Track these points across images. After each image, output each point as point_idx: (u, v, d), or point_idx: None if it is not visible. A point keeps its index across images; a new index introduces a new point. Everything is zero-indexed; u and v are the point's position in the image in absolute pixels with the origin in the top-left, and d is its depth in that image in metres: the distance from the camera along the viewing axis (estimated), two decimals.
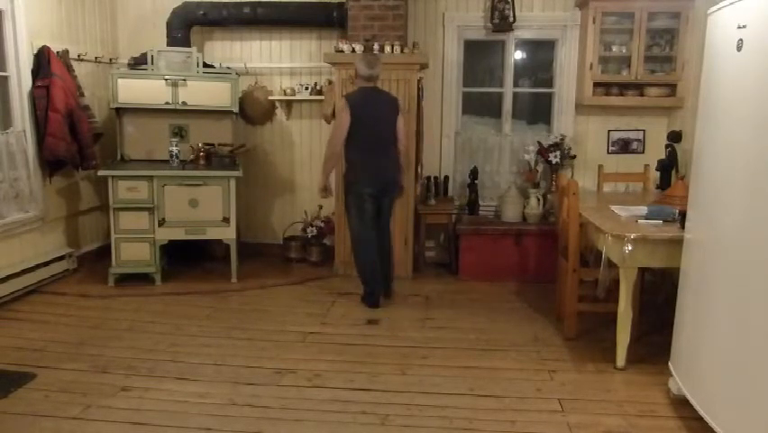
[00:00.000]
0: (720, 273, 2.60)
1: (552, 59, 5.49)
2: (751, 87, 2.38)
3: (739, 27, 2.47)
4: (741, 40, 2.45)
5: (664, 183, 4.75)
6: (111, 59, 5.51)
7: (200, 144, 5.05)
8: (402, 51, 4.83)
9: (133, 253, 4.75)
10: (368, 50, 4.82)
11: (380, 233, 4.41)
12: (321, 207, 5.49)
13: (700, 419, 2.67)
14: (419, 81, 4.97)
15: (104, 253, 5.17)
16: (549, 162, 5.18)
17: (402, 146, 4.40)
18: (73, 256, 5.00)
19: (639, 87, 5.06)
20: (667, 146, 4.91)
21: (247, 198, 5.64)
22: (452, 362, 3.50)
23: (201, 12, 5.25)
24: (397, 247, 5.01)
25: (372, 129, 4.22)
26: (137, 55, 5.23)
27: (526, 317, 4.25)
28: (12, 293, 4.29)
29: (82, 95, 4.91)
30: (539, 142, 5.25)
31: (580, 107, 5.32)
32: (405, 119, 4.45)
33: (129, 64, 5.25)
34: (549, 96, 5.52)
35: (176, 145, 4.94)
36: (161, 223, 4.75)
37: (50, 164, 4.72)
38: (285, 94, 5.51)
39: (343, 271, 5.10)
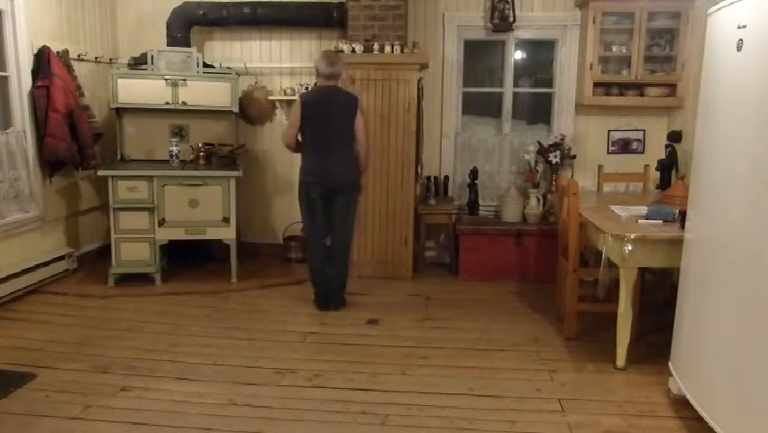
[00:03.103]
0: (720, 273, 2.60)
1: (552, 59, 5.49)
2: (751, 87, 2.38)
3: (739, 27, 2.47)
4: (741, 40, 2.45)
5: (664, 183, 4.75)
6: (111, 59, 5.51)
7: (200, 144, 5.05)
8: (402, 51, 4.83)
9: (133, 253, 4.75)
10: (368, 50, 4.83)
11: (335, 236, 4.34)
12: None
13: (700, 419, 2.67)
14: (419, 81, 4.97)
15: (104, 253, 5.18)
16: (549, 162, 5.18)
17: (362, 148, 4.24)
18: (73, 256, 5.00)
19: (639, 87, 5.06)
20: (667, 146, 4.91)
21: (247, 198, 5.64)
22: (452, 362, 3.51)
23: (201, 12, 5.24)
24: (397, 247, 5.03)
25: (323, 128, 4.14)
26: (137, 55, 5.23)
27: (526, 317, 4.25)
28: (12, 293, 4.29)
29: (82, 95, 4.91)
30: (539, 142, 5.25)
31: (580, 107, 5.32)
32: (363, 116, 4.23)
33: (129, 64, 5.24)
34: (549, 96, 5.52)
35: (176, 145, 4.93)
36: (161, 223, 4.75)
37: (50, 164, 4.72)
38: (285, 94, 5.51)
39: None
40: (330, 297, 4.35)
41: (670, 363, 3.10)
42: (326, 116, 4.12)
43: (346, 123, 4.14)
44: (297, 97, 5.44)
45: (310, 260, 4.39)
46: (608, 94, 5.11)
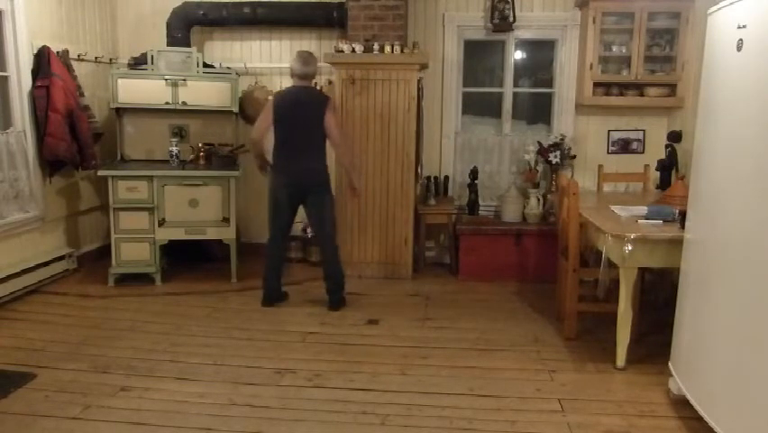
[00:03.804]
0: (720, 273, 2.60)
1: (552, 59, 5.49)
2: (751, 87, 2.38)
3: (739, 27, 2.47)
4: (741, 40, 2.45)
5: (664, 183, 4.75)
6: (111, 59, 5.51)
7: (200, 144, 5.05)
8: (402, 51, 4.83)
9: (133, 253, 4.75)
10: (368, 50, 4.83)
11: (318, 239, 4.39)
12: None
13: (700, 419, 2.67)
14: (419, 81, 4.97)
15: (104, 253, 5.18)
16: (549, 162, 5.18)
17: (338, 146, 4.19)
18: (73, 256, 5.00)
19: (639, 87, 5.06)
20: (667, 146, 4.91)
21: (247, 198, 5.64)
22: (452, 362, 3.50)
23: (201, 12, 5.25)
24: (397, 247, 5.03)
25: (292, 129, 4.12)
26: (137, 55, 5.23)
27: (526, 317, 4.25)
28: (12, 293, 4.29)
29: (82, 95, 4.91)
30: (539, 143, 5.25)
31: (580, 107, 5.32)
32: (334, 115, 4.16)
33: (129, 64, 5.25)
34: (549, 96, 5.52)
35: (176, 145, 4.94)
36: (161, 223, 4.75)
37: (50, 164, 4.72)
38: None
39: (344, 271, 5.09)
40: (331, 301, 4.36)
41: (670, 363, 3.10)
42: (296, 117, 4.11)
43: (316, 123, 4.09)
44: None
45: (265, 255, 4.38)
46: (607, 94, 5.11)
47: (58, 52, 4.67)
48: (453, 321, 4.16)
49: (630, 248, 3.17)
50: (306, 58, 4.16)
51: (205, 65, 5.13)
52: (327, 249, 4.33)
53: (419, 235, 5.22)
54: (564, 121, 5.42)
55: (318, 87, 5.40)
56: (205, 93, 5.05)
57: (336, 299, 4.36)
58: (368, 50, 4.84)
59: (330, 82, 5.31)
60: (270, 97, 4.31)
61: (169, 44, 5.19)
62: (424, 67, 5.13)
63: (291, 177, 4.17)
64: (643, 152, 5.33)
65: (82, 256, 5.18)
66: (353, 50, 4.84)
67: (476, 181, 5.27)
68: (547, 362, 3.53)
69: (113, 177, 4.66)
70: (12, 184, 4.41)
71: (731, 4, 2.56)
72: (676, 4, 4.85)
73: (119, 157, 5.18)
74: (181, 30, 5.24)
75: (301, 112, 4.11)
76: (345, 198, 4.67)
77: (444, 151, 5.54)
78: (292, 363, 3.46)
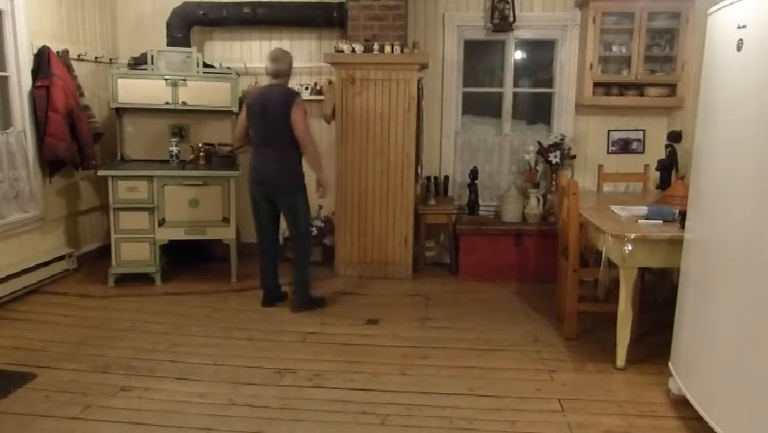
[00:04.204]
0: (720, 273, 2.60)
1: (552, 59, 5.49)
2: (751, 87, 2.38)
3: (739, 27, 2.47)
4: (741, 40, 2.45)
5: (664, 183, 4.75)
6: (111, 59, 5.51)
7: (200, 144, 5.05)
8: (402, 51, 4.83)
9: (133, 253, 4.75)
10: (368, 50, 4.83)
11: (292, 239, 4.40)
12: (321, 207, 5.49)
13: (700, 419, 2.67)
14: (419, 81, 4.97)
15: (104, 253, 5.18)
16: (549, 162, 5.18)
17: (302, 145, 4.03)
18: (73, 256, 5.01)
19: (639, 87, 5.06)
20: (667, 146, 4.91)
21: (247, 198, 5.60)
22: (452, 362, 3.50)
23: (201, 12, 5.25)
24: (397, 247, 5.03)
25: (262, 128, 4.09)
26: (137, 55, 5.23)
27: (526, 317, 4.25)
28: (12, 293, 4.29)
29: (82, 95, 4.91)
30: (539, 143, 5.25)
31: (580, 107, 5.32)
32: (299, 112, 3.99)
33: (129, 64, 5.25)
34: (549, 96, 5.52)
35: (176, 145, 4.94)
36: (161, 223, 4.75)
37: (50, 164, 4.72)
38: None
39: (344, 271, 5.11)
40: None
41: (670, 363, 3.10)
42: (264, 116, 4.05)
43: (282, 121, 3.97)
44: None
45: (257, 255, 4.41)
46: (608, 94, 5.11)
47: (58, 52, 4.67)
48: (453, 321, 4.16)
49: (630, 248, 3.17)
50: (277, 55, 4.07)
51: (205, 65, 5.13)
52: (297, 250, 4.32)
53: (419, 235, 5.22)
54: (564, 121, 5.42)
55: (318, 88, 5.43)
56: (205, 93, 5.05)
57: (296, 300, 4.30)
58: (368, 50, 4.84)
59: (330, 82, 5.31)
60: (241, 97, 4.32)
61: (169, 44, 5.19)
62: (424, 67, 5.13)
63: (262, 176, 4.15)
64: (643, 152, 5.33)
65: (82, 256, 5.18)
66: (353, 50, 4.84)
67: (476, 181, 5.27)
68: (547, 362, 3.52)
69: (113, 177, 4.66)
70: (12, 184, 4.41)
71: (731, 4, 2.56)
72: (676, 4, 4.85)
73: (119, 157, 5.18)
74: (181, 30, 5.24)
75: (268, 111, 4.02)
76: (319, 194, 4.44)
77: (444, 151, 5.54)
78: (292, 363, 3.46)
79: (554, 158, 5.14)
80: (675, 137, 4.95)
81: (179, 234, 4.82)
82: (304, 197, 4.21)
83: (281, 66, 4.06)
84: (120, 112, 5.13)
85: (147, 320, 4.09)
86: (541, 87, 5.58)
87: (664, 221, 3.35)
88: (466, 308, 4.42)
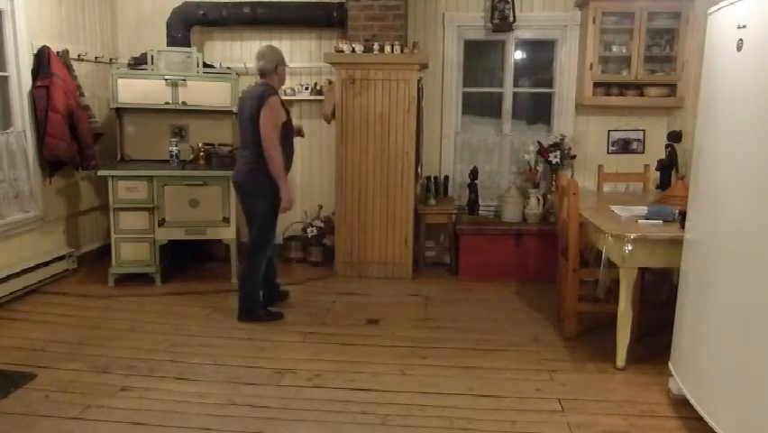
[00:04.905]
0: (720, 273, 2.60)
1: (552, 59, 5.49)
2: (751, 87, 2.38)
3: (739, 27, 2.47)
4: (741, 40, 2.45)
5: (664, 183, 4.75)
6: (111, 59, 5.51)
7: (200, 144, 5.05)
8: (402, 51, 4.83)
9: (133, 253, 4.75)
10: (368, 50, 4.83)
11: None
12: (321, 207, 5.49)
13: (700, 419, 2.67)
14: (419, 81, 4.97)
15: (104, 253, 5.18)
16: (549, 162, 5.18)
17: (264, 151, 3.77)
18: (73, 256, 5.00)
19: (639, 87, 5.05)
20: (667, 146, 4.92)
21: None
22: (452, 362, 3.50)
23: (201, 12, 5.25)
24: (397, 247, 5.03)
25: (239, 129, 4.04)
26: (137, 55, 5.23)
27: (526, 317, 4.25)
28: (12, 293, 4.29)
29: (82, 95, 4.91)
30: (539, 143, 5.25)
31: (580, 107, 5.32)
32: (266, 112, 3.76)
33: (129, 64, 5.24)
34: (549, 96, 5.52)
35: (176, 145, 4.94)
36: (161, 223, 4.75)
37: (50, 164, 4.72)
38: (285, 94, 5.50)
39: (344, 271, 5.11)
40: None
41: (670, 364, 3.10)
42: (242, 116, 3.98)
43: (255, 121, 3.79)
44: (296, 97, 5.49)
45: None
46: (608, 94, 5.11)
47: (58, 52, 4.67)
48: (453, 321, 4.16)
49: (630, 248, 3.17)
50: (263, 52, 3.92)
51: (205, 65, 5.13)
52: (247, 256, 4.08)
53: (419, 235, 5.22)
54: (564, 121, 5.42)
55: (318, 88, 5.43)
56: (205, 93, 5.04)
57: (239, 309, 4.08)
58: (368, 50, 4.84)
59: (330, 82, 5.31)
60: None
61: (169, 44, 5.19)
62: (424, 67, 5.13)
63: (234, 177, 4.10)
64: (643, 152, 5.33)
65: (82, 256, 5.18)
66: (353, 50, 4.84)
67: (476, 181, 5.26)
68: (547, 362, 3.52)
69: (113, 177, 4.66)
70: (12, 184, 4.41)
71: (731, 4, 2.56)
72: (676, 4, 4.85)
73: (119, 157, 5.18)
74: (181, 30, 5.24)
75: (245, 112, 3.91)
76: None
77: (444, 151, 5.54)
78: (292, 364, 3.46)
79: (554, 158, 5.14)
80: (675, 137, 4.95)
81: (179, 234, 4.81)
82: (265, 204, 3.92)
83: (265, 64, 3.89)
84: (120, 112, 5.13)
85: (147, 320, 4.09)
86: (541, 87, 5.57)
87: (664, 221, 3.35)
88: (466, 309, 4.42)
